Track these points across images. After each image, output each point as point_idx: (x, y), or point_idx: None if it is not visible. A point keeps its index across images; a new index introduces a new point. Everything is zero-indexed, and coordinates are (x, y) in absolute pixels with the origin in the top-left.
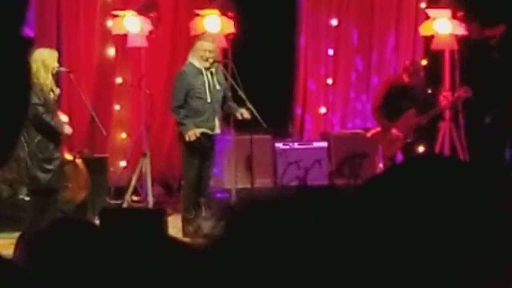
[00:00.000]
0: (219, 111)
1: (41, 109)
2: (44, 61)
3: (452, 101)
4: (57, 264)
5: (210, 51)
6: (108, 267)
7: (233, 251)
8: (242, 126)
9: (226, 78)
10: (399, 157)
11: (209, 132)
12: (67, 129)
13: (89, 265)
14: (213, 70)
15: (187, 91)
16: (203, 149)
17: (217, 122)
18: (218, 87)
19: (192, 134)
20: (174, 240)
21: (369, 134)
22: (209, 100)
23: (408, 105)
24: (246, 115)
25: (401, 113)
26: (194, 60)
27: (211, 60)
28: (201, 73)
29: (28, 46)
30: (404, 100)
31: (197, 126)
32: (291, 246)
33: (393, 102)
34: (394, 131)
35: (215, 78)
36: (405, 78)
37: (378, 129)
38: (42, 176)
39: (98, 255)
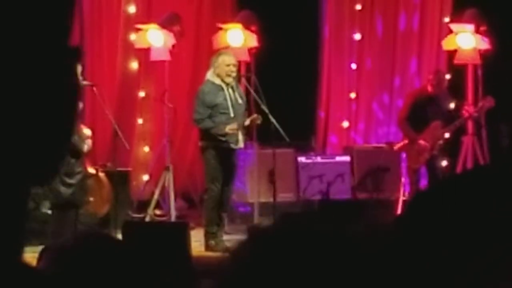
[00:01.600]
0: (242, 125)
1: None
2: None
3: (476, 111)
4: (78, 279)
5: (234, 65)
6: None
7: (257, 269)
8: (265, 139)
9: (248, 92)
10: (423, 171)
11: (233, 146)
12: (86, 147)
13: (110, 280)
14: (233, 84)
15: (210, 110)
16: (226, 163)
17: (240, 137)
18: (240, 101)
19: (229, 128)
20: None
21: (396, 147)
22: (232, 115)
23: (433, 116)
24: (257, 120)
25: (427, 125)
26: (214, 76)
27: (234, 74)
28: (222, 89)
29: (75, 55)
30: (429, 111)
31: (221, 141)
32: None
33: (419, 113)
34: (421, 141)
35: (236, 93)
36: (429, 88)
37: (405, 141)
38: (64, 190)
39: (120, 270)
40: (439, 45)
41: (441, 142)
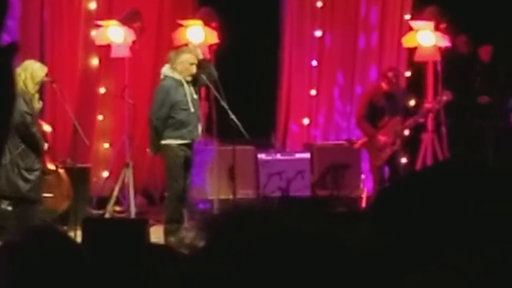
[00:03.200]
0: (200, 119)
1: (29, 118)
2: (32, 72)
3: (435, 105)
4: (26, 276)
5: (195, 64)
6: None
7: (218, 261)
8: (225, 136)
9: (209, 89)
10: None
11: (193, 138)
12: (46, 146)
13: (59, 277)
14: (189, 80)
15: (171, 106)
16: (185, 159)
17: (200, 131)
18: (195, 96)
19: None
20: (159, 247)
21: (356, 145)
22: (192, 110)
23: (391, 112)
24: None
25: (386, 121)
26: (173, 72)
27: (193, 72)
28: (182, 84)
29: (9, 52)
30: (386, 108)
31: (183, 137)
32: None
33: (376, 111)
34: (381, 137)
35: (191, 88)
36: (384, 86)
37: (365, 139)
38: (22, 185)
39: (69, 266)
40: (400, 42)
41: (401, 137)
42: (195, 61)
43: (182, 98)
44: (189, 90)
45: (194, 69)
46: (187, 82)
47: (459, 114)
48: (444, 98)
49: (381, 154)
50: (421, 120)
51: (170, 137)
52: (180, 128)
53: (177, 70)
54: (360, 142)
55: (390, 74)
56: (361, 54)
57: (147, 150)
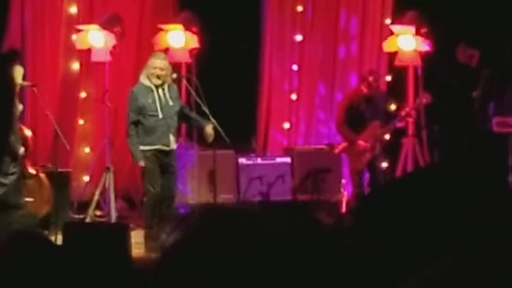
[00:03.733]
0: (174, 126)
1: None
2: None
3: (414, 107)
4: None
5: (161, 69)
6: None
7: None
8: (205, 141)
9: (189, 93)
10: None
11: (165, 148)
12: (22, 150)
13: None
14: (165, 86)
15: (139, 111)
16: (162, 166)
17: (171, 138)
18: (171, 103)
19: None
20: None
21: (336, 150)
22: (161, 116)
23: (371, 116)
24: (210, 135)
25: (365, 125)
26: (144, 78)
27: (162, 78)
28: (151, 90)
29: (10, 58)
30: (366, 112)
31: (152, 144)
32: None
33: (356, 115)
34: (361, 142)
35: (167, 95)
36: (364, 90)
37: (345, 143)
38: None
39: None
40: (380, 47)
41: (381, 142)
42: (160, 65)
43: (149, 104)
44: (160, 96)
45: (158, 72)
46: (159, 87)
47: (444, 119)
48: (424, 100)
49: (361, 159)
50: (401, 124)
51: (141, 143)
52: (148, 134)
53: (146, 75)
54: (340, 147)
55: (370, 78)
56: (341, 60)
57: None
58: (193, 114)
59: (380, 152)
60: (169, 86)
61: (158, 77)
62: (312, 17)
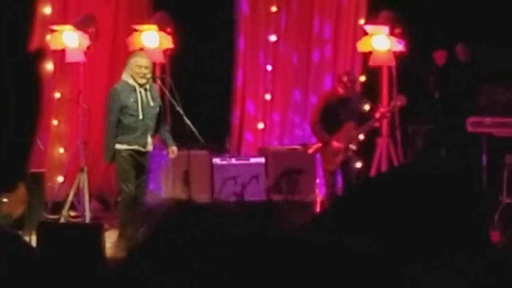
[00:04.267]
0: (152, 128)
1: None
2: None
3: (389, 110)
4: None
5: (146, 67)
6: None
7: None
8: (179, 141)
9: (163, 94)
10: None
11: (141, 149)
12: None
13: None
14: (147, 86)
15: (120, 109)
16: (137, 166)
17: (149, 139)
18: (152, 103)
19: (107, 160)
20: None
21: (310, 151)
22: (141, 116)
23: (346, 117)
24: (173, 155)
25: (340, 126)
26: (128, 77)
27: (148, 76)
28: (134, 90)
29: (36, 58)
30: (342, 113)
31: (129, 143)
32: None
33: (331, 116)
34: (334, 143)
35: (149, 95)
36: (340, 91)
37: (319, 144)
38: None
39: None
40: (354, 47)
41: (354, 143)
42: (146, 64)
43: (131, 103)
44: (142, 96)
45: (143, 71)
46: (142, 87)
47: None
48: (398, 103)
49: (335, 160)
50: (376, 124)
51: (118, 142)
52: (126, 134)
53: (130, 74)
54: (314, 147)
55: (345, 78)
56: (315, 59)
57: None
58: (164, 129)
59: (354, 152)
60: (150, 86)
61: (143, 76)
62: (286, 18)
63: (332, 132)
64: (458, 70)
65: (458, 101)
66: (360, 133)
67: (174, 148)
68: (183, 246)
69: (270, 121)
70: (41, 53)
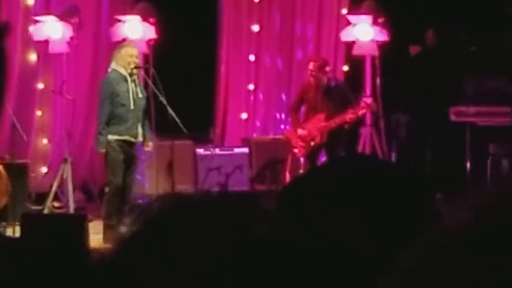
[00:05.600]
0: (142, 119)
1: None
2: None
3: (358, 116)
4: None
5: (137, 57)
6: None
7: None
8: (163, 131)
9: (147, 84)
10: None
11: (132, 139)
12: None
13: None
14: (135, 78)
15: (112, 98)
16: (126, 157)
17: (140, 130)
18: (140, 95)
19: (102, 148)
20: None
21: (285, 134)
22: (132, 107)
23: (322, 107)
24: (147, 148)
25: (313, 115)
26: (119, 67)
27: (135, 65)
28: (126, 80)
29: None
30: (318, 102)
31: (120, 134)
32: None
33: (307, 104)
34: (299, 130)
35: (138, 86)
36: (311, 79)
37: (291, 128)
38: None
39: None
40: (337, 37)
41: (319, 136)
42: (136, 54)
43: (123, 93)
44: (132, 87)
45: (135, 60)
46: (132, 79)
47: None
48: (365, 111)
49: (297, 147)
50: (347, 119)
51: (109, 132)
52: (117, 124)
53: (120, 65)
54: (286, 132)
55: (310, 65)
56: (298, 49)
57: (95, 146)
58: (146, 123)
59: (324, 143)
60: (137, 78)
61: (136, 65)
62: (269, 8)
63: (305, 120)
64: (430, 59)
65: (442, 91)
66: (329, 126)
67: (150, 143)
68: (175, 240)
69: (253, 111)
70: (5, 28)
